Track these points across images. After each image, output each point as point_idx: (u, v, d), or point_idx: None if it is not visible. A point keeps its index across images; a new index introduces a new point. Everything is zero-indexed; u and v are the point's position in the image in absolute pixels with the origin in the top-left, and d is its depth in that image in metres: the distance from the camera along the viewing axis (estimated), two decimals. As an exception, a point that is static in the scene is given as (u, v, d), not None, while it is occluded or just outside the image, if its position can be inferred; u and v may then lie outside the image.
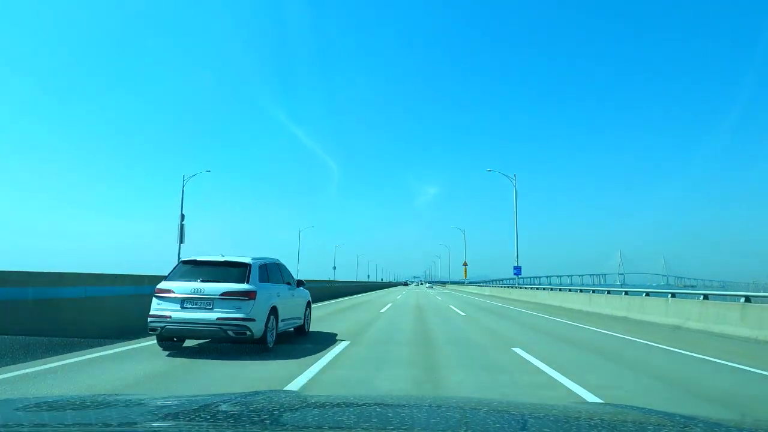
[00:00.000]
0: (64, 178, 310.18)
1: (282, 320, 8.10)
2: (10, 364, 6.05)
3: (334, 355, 7.29)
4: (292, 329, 9.29)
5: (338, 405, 1.75)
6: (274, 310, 7.63)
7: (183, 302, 6.86)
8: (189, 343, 7.78)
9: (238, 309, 6.83)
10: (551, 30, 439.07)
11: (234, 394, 2.00)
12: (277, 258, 9.03)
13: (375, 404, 1.81)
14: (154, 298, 7.09)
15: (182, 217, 34.83)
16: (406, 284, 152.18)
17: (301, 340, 9.05)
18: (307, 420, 1.53)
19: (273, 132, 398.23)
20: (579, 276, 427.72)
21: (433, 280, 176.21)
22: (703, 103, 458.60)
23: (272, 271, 8.25)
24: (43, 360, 6.37)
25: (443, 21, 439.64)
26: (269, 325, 7.38)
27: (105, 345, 7.69)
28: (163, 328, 6.82)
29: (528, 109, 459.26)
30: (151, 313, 6.97)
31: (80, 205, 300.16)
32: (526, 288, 35.83)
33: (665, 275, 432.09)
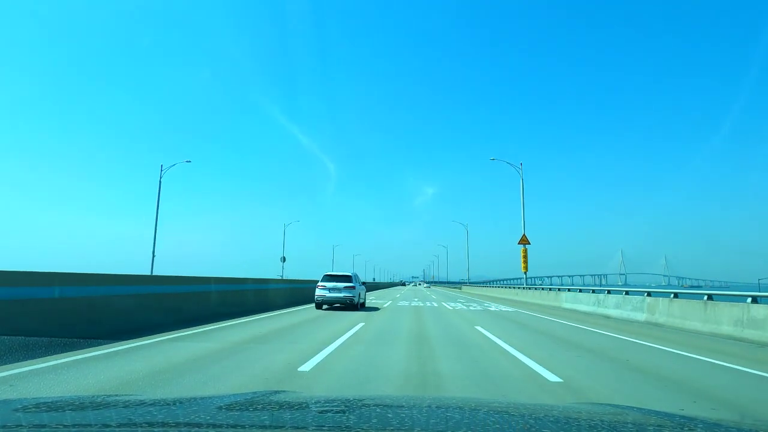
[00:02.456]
0: (61, 179, 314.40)
1: (360, 299, 19.60)
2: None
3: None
4: (360, 304, 20.53)
5: (338, 405, 1.79)
6: (359, 294, 19.21)
7: (329, 290, 18.39)
8: (324, 307, 19.14)
9: (350, 293, 18.37)
10: (552, 32, 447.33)
11: (234, 394, 2.11)
12: (356, 271, 20.59)
13: (375, 405, 1.84)
14: (317, 288, 18.64)
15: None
16: (403, 284, 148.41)
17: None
18: (307, 420, 1.54)
19: (269, 130, 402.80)
20: (580, 276, 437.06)
21: (436, 280, 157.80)
22: (702, 105, 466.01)
23: (356, 277, 19.83)
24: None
25: (442, 21, 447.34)
26: (358, 300, 18.93)
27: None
28: (322, 300, 18.36)
29: (528, 110, 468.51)
30: (317, 294, 18.56)
31: (76, 205, 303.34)
32: None
33: (666, 275, 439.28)
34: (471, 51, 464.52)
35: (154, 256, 34.51)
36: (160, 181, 36.72)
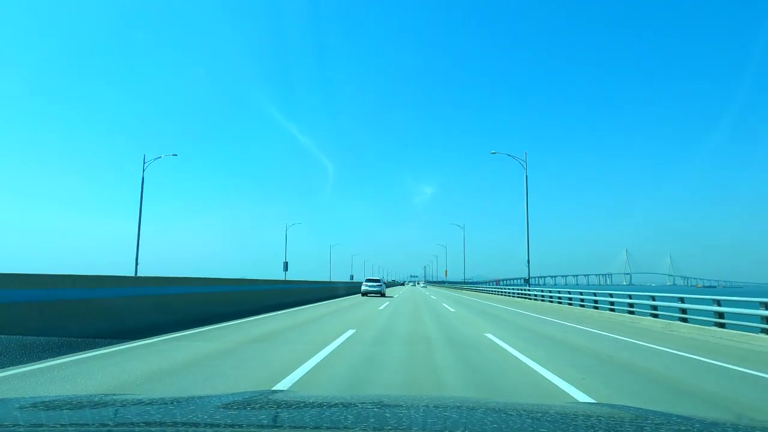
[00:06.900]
0: (56, 179, 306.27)
1: (384, 290, 36.01)
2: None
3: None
4: (384, 294, 36.11)
5: (336, 405, 1.79)
6: (384, 288, 35.41)
7: (370, 285, 34.48)
8: (364, 296, 34.92)
9: (380, 287, 34.41)
10: (550, 33, 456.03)
11: (232, 394, 2.14)
12: (381, 276, 37.03)
13: (372, 404, 1.85)
14: (362, 285, 34.77)
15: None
16: (402, 284, 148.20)
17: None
18: (305, 420, 1.54)
19: (267, 130, 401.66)
20: (584, 276, 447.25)
21: (435, 279, 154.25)
22: (701, 105, 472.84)
23: (382, 279, 36.42)
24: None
25: (441, 21, 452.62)
26: (384, 291, 35.10)
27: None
28: (365, 291, 34.52)
29: (528, 110, 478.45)
30: (362, 288, 34.64)
31: (71, 205, 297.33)
32: None
33: (671, 275, 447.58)
34: (470, 51, 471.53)
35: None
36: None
